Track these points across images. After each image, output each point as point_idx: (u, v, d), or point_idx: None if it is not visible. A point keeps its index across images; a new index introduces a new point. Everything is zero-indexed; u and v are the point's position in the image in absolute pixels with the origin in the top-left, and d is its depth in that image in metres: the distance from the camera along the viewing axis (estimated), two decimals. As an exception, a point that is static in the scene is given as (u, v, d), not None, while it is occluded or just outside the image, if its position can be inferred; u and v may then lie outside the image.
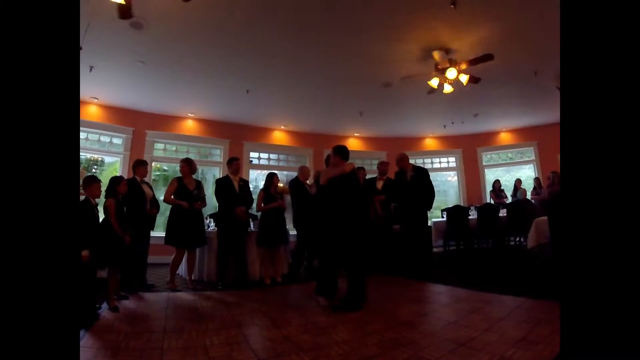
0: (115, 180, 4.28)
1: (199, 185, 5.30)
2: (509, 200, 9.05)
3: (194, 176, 5.37)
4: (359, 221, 4.05)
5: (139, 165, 5.13)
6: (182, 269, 5.66)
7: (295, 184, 5.95)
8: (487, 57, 5.04)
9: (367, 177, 6.64)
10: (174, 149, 8.57)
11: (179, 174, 5.31)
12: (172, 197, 5.07)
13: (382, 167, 6.59)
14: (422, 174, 5.76)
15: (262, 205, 5.53)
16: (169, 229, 5.04)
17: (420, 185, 5.64)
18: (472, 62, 5.23)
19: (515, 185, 9.18)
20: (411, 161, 6.28)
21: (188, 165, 5.26)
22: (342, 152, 4.32)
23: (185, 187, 5.13)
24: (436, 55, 5.23)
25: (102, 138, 7.68)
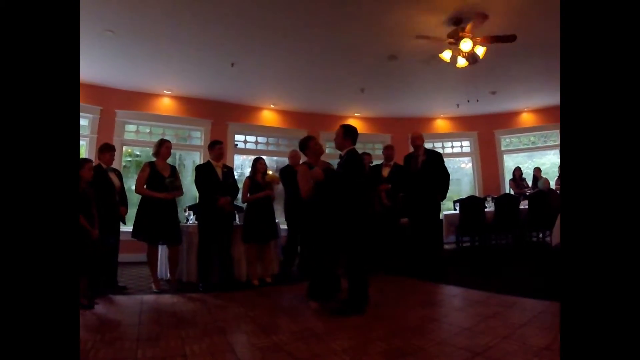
0: None
1: (173, 171, 5.25)
2: (531, 190, 9.03)
3: (169, 160, 5.33)
4: (360, 213, 4.01)
5: (106, 151, 5.08)
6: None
7: (288, 172, 5.88)
8: (509, 38, 4.98)
9: (372, 163, 6.60)
10: (148, 130, 8.48)
11: (152, 159, 5.26)
12: (145, 187, 5.02)
13: (389, 151, 6.49)
14: (435, 158, 5.74)
15: (248, 195, 5.51)
16: (137, 220, 5.00)
17: (432, 171, 5.61)
18: (492, 40, 5.17)
19: (534, 174, 9.14)
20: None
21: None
22: (350, 133, 4.19)
23: (159, 174, 5.08)
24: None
25: (65, 118, 7.57)
